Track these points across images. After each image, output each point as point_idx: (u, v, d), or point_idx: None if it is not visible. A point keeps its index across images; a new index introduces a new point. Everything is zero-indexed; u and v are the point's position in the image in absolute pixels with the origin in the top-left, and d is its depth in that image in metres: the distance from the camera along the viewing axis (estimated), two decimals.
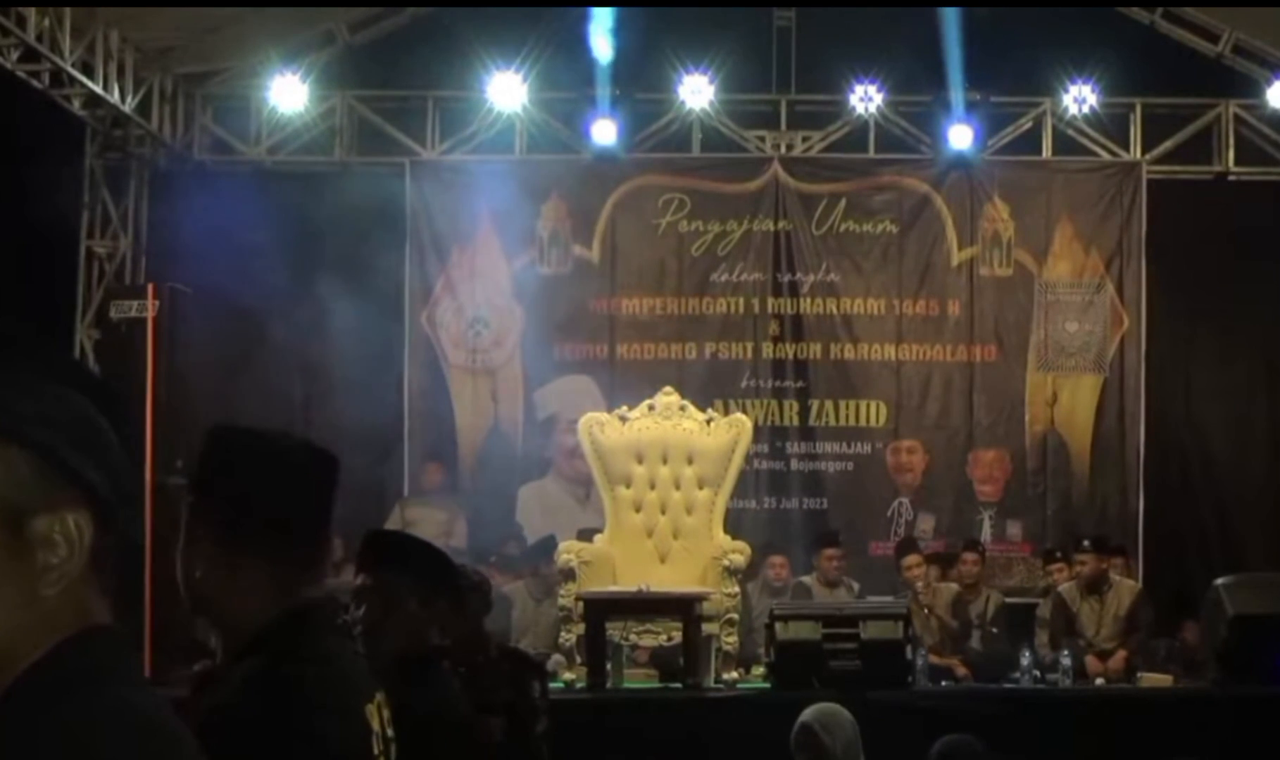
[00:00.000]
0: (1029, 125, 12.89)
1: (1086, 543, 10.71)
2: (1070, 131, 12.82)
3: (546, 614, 10.39)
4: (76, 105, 11.73)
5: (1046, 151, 12.91)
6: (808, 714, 5.44)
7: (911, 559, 10.71)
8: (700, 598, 9.24)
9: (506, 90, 12.45)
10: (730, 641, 9.41)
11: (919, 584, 10.48)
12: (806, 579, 11.02)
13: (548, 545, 11.08)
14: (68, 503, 1.36)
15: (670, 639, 9.36)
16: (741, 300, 12.73)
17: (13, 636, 1.35)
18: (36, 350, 1.41)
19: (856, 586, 11.09)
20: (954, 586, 10.76)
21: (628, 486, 10.00)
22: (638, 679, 9.87)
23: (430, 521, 11.52)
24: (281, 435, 2.53)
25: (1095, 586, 10.40)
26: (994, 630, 10.62)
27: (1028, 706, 8.77)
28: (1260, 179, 12.86)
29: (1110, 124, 12.80)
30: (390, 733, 2.47)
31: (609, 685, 9.08)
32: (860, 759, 5.32)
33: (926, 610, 10.40)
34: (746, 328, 12.72)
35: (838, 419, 12.68)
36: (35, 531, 1.35)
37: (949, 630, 10.42)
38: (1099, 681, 9.83)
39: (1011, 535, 12.60)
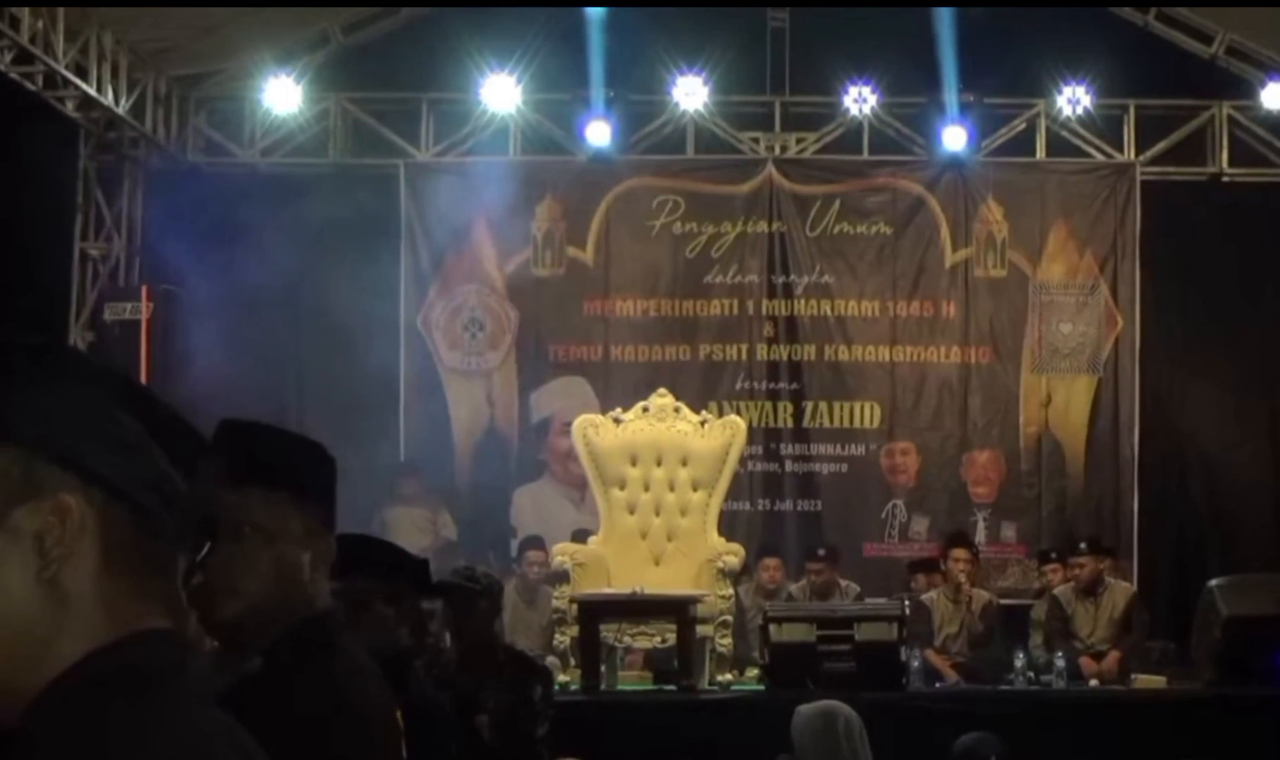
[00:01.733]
0: (1023, 126, 12.89)
1: (1084, 545, 10.70)
2: (1064, 133, 12.82)
3: (536, 616, 10.40)
4: (70, 107, 11.72)
5: (1040, 153, 12.91)
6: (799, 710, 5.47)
7: (961, 552, 10.61)
8: (694, 600, 9.23)
9: (501, 92, 12.45)
10: (725, 643, 9.41)
11: (963, 576, 10.43)
12: (794, 587, 11.00)
13: (526, 546, 11.10)
14: (60, 489, 1.32)
15: (664, 641, 9.36)
16: (736, 302, 12.72)
17: (30, 636, 1.30)
18: (39, 350, 1.37)
19: (856, 589, 11.05)
20: (985, 593, 10.74)
21: (622, 488, 10.00)
22: (632, 681, 9.87)
23: (407, 520, 11.54)
24: (291, 433, 2.53)
25: (1091, 588, 10.39)
26: (990, 632, 10.60)
27: (1023, 708, 8.77)
28: (1254, 180, 12.87)
29: (1104, 125, 12.81)
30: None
31: (603, 687, 9.07)
32: (846, 755, 5.31)
33: (968, 599, 10.36)
34: (741, 329, 12.71)
35: (832, 421, 12.68)
36: (18, 520, 1.30)
37: (974, 631, 10.38)
38: (1093, 683, 9.83)
39: (1006, 537, 12.60)
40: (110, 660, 1.31)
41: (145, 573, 1.36)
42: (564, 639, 9.38)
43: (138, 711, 1.29)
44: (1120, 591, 10.54)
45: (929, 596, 10.44)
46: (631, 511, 9.98)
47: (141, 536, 1.35)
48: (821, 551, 11.01)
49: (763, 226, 12.75)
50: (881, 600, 10.45)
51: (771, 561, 11.21)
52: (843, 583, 10.98)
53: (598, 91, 12.28)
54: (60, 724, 1.27)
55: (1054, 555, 11.27)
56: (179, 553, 1.40)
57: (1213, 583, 9.54)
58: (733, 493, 10.87)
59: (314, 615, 2.34)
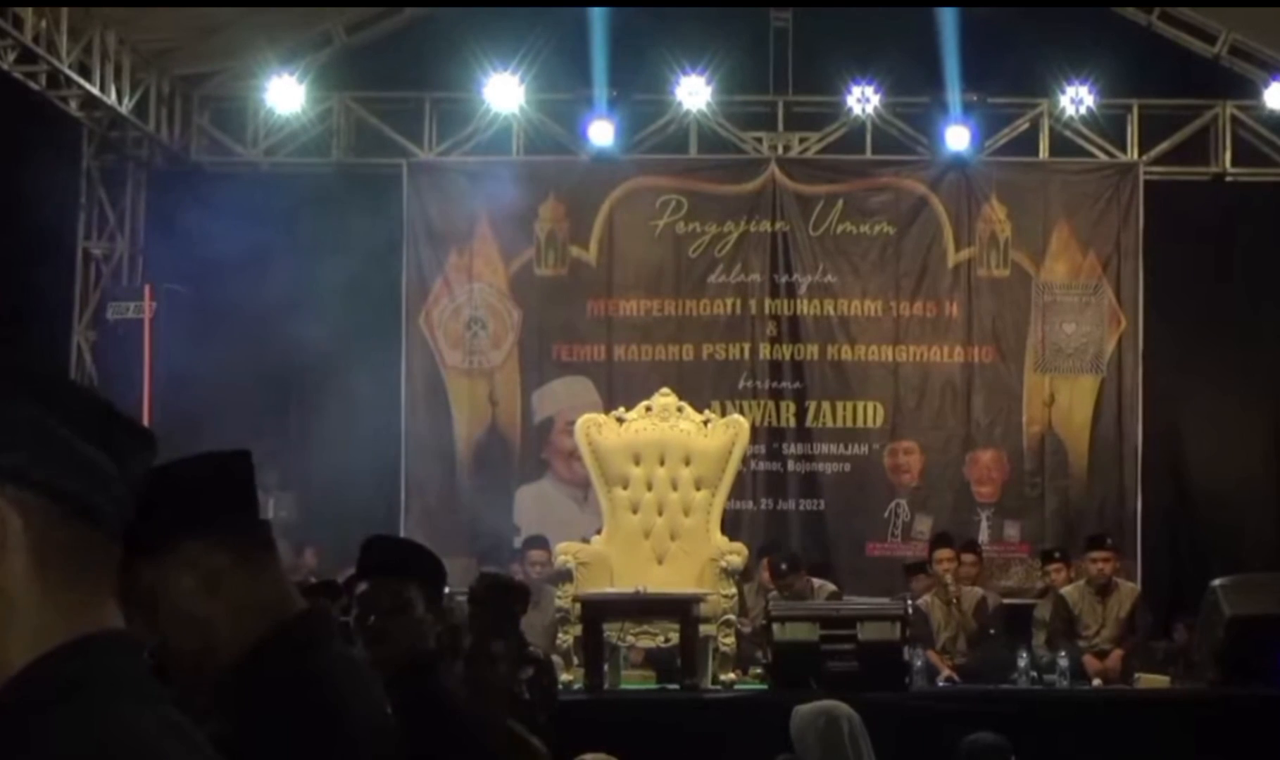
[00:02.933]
0: (1026, 126, 12.89)
1: (1109, 540, 10.70)
2: (1067, 132, 12.82)
3: (539, 617, 10.39)
4: (73, 106, 11.74)
5: (1044, 152, 12.91)
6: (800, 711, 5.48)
7: (945, 552, 10.62)
8: (697, 599, 9.24)
9: (504, 91, 12.45)
10: (728, 643, 9.41)
11: (949, 577, 10.44)
12: (771, 596, 10.99)
13: (529, 545, 11.10)
14: None
15: (667, 640, 9.36)
16: (739, 301, 12.72)
17: None
18: None
19: (831, 587, 11.02)
20: (979, 590, 10.74)
21: (625, 488, 10.00)
22: (635, 680, 9.87)
23: None
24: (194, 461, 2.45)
25: (1104, 587, 10.38)
26: (990, 631, 10.61)
27: (1026, 707, 8.77)
28: (1257, 180, 12.87)
29: (1107, 125, 12.81)
30: None
31: (606, 687, 9.08)
32: (850, 755, 5.32)
33: (955, 601, 10.36)
34: (744, 329, 12.71)
35: (835, 420, 12.68)
36: None
37: (968, 629, 10.38)
38: (1096, 682, 9.83)
39: (1009, 536, 12.60)
40: (57, 665, 1.26)
41: (87, 564, 1.30)
42: (567, 638, 9.38)
43: (83, 717, 1.24)
44: (1127, 592, 10.55)
45: (925, 601, 10.43)
46: (634, 511, 9.97)
47: (75, 527, 1.29)
48: (784, 565, 10.85)
49: (766, 226, 12.75)
50: (884, 600, 10.45)
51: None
52: (816, 583, 10.91)
53: (601, 91, 12.28)
54: (5, 732, 1.23)
55: (1058, 555, 11.26)
56: (121, 536, 1.34)
57: (1216, 583, 9.53)
58: (736, 492, 10.88)
59: (289, 618, 2.31)
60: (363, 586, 3.76)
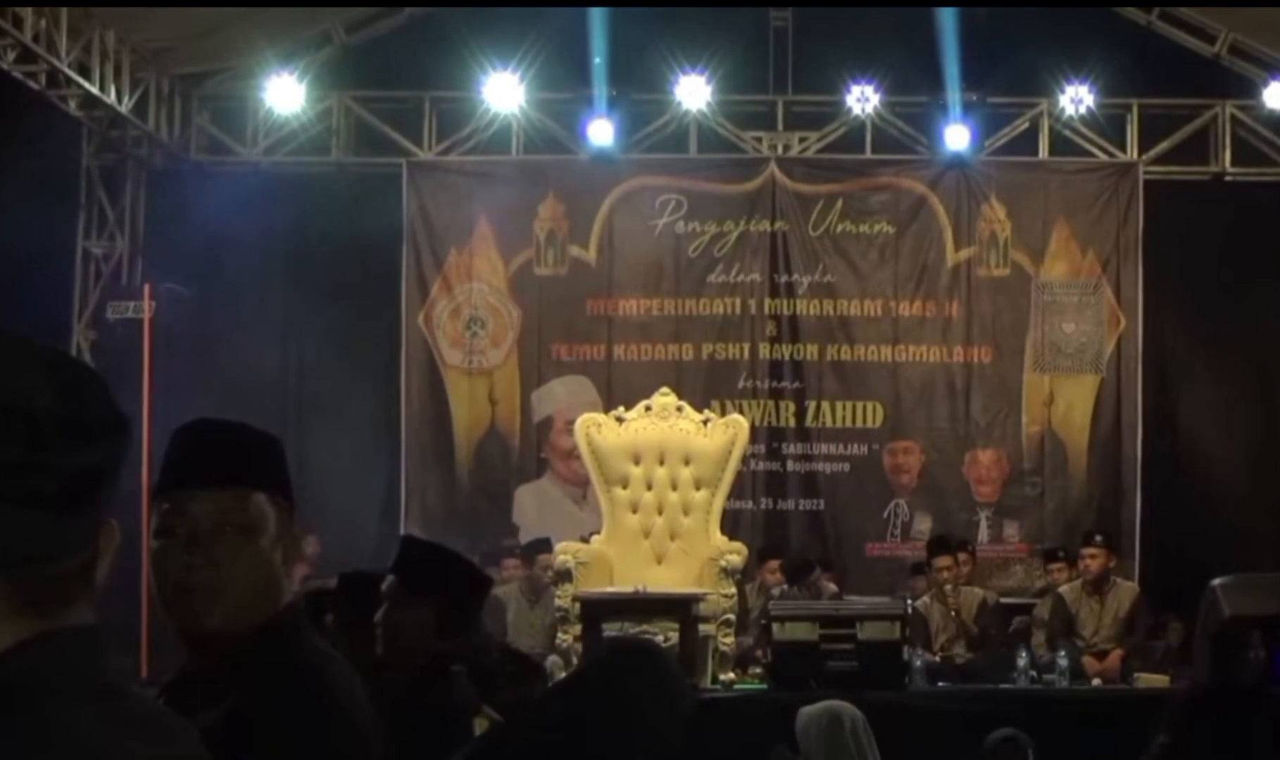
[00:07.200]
0: (1026, 126, 12.88)
1: (1098, 538, 10.70)
2: (1067, 132, 12.82)
3: (540, 616, 10.40)
4: (73, 106, 11.73)
5: (1043, 152, 12.91)
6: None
7: (943, 559, 10.55)
8: (697, 599, 9.24)
9: (503, 91, 12.45)
10: (727, 642, 9.41)
11: (948, 586, 10.41)
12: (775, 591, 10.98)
13: (535, 548, 11.09)
14: None
15: (667, 640, 9.35)
16: (738, 301, 12.73)
17: None
18: None
19: (833, 589, 11.01)
20: (979, 591, 10.71)
21: (624, 487, 10.01)
22: None
23: None
24: (253, 428, 2.50)
25: (1098, 586, 10.38)
26: (990, 631, 10.61)
27: (1025, 706, 8.76)
28: (1257, 179, 12.86)
29: (1107, 125, 12.81)
30: None
31: None
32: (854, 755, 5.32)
33: (954, 612, 10.35)
34: (743, 328, 12.72)
35: (835, 420, 12.68)
36: None
37: (968, 634, 10.37)
38: (1095, 681, 9.83)
39: (1008, 536, 12.60)
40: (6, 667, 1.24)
41: (36, 569, 1.26)
42: (567, 638, 9.39)
43: (15, 718, 1.22)
44: (1126, 591, 10.55)
45: (924, 603, 10.43)
46: (634, 510, 9.98)
47: (26, 522, 1.24)
48: (798, 572, 10.78)
49: (765, 226, 12.75)
50: (884, 599, 10.45)
51: (774, 563, 11.20)
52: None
53: (600, 90, 12.29)
54: None
55: (1061, 554, 11.26)
56: (87, 523, 1.30)
57: (1215, 582, 9.50)
58: (735, 492, 10.88)
59: (285, 609, 2.32)
60: (387, 584, 3.80)
